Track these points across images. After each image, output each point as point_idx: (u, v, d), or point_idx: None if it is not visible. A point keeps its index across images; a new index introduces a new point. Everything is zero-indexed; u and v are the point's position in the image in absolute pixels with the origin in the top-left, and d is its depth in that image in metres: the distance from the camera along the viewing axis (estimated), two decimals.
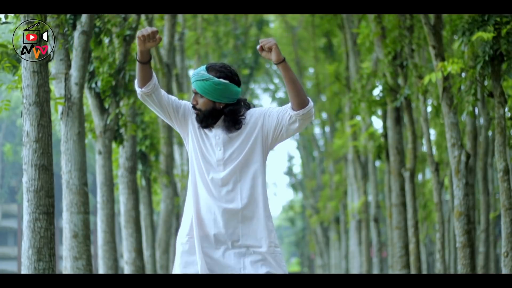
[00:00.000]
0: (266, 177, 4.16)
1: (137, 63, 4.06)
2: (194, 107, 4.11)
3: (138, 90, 4.11)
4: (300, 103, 3.96)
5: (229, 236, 4.04)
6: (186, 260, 4.07)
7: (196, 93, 4.09)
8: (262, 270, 3.99)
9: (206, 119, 4.08)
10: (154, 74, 4.12)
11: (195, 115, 4.14)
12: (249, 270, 4.00)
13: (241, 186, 4.06)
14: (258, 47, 3.99)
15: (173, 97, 4.22)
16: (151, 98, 4.12)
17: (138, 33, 3.94)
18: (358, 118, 18.10)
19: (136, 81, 4.12)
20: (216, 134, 4.10)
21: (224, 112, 4.07)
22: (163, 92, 4.19)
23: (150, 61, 4.08)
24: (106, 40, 9.16)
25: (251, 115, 4.11)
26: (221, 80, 4.03)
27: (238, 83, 4.10)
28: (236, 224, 4.04)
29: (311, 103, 3.99)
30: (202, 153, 4.11)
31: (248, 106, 4.15)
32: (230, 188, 4.05)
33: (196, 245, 4.03)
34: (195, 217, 4.07)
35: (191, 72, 24.39)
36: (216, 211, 4.05)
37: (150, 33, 3.93)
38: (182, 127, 4.18)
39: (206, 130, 4.13)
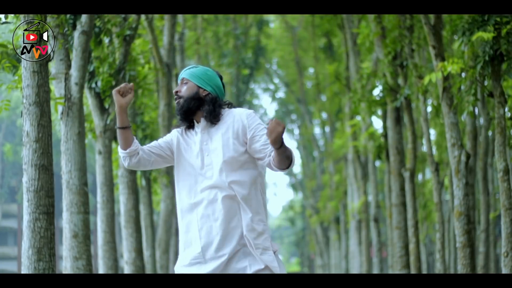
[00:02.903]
0: (260, 175, 4.13)
1: (117, 130, 4.10)
2: (176, 95, 4.17)
3: (121, 153, 4.15)
4: (282, 168, 3.95)
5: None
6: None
7: (182, 83, 4.19)
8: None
9: (188, 104, 4.10)
10: (135, 140, 4.17)
11: (177, 134, 4.19)
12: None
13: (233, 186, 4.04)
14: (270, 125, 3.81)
15: (161, 141, 4.24)
16: (140, 161, 4.15)
17: (114, 90, 4.04)
18: (358, 118, 18.09)
19: (119, 146, 4.17)
20: (202, 139, 4.10)
21: (205, 100, 4.12)
22: (153, 146, 4.23)
23: (131, 127, 4.13)
24: (106, 40, 9.16)
25: (232, 114, 4.13)
26: (211, 69, 4.22)
27: (223, 87, 4.22)
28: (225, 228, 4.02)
29: (292, 164, 3.94)
30: (190, 163, 4.11)
31: (231, 105, 4.20)
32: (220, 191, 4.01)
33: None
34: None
35: None
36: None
37: (126, 86, 4.06)
38: (175, 155, 4.20)
39: (190, 139, 4.14)
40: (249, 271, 3.94)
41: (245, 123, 4.07)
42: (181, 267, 4.06)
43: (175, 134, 4.23)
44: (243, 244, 3.97)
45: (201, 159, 4.08)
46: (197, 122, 4.16)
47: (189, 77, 4.16)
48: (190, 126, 4.17)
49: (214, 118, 4.08)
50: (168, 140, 4.22)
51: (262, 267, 3.96)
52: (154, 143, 4.23)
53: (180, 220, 4.11)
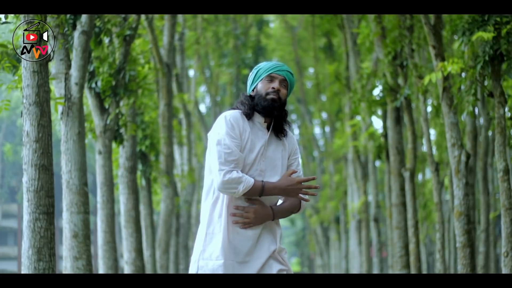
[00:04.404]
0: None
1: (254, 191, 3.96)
2: (277, 93, 4.04)
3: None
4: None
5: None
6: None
7: (282, 82, 4.07)
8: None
9: (280, 111, 4.05)
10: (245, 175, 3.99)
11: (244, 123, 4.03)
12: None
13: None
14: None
15: (237, 145, 3.99)
16: None
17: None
18: (358, 118, 18.10)
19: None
20: (265, 143, 4.05)
21: (285, 111, 4.13)
22: (240, 160, 3.99)
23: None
24: (106, 40, 9.17)
25: (289, 135, 4.18)
26: None
27: None
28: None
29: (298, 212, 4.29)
30: (249, 163, 4.02)
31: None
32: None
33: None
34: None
35: (191, 72, 24.37)
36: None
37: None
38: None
39: (255, 131, 4.05)
40: (275, 269, 4.02)
41: (293, 150, 4.18)
42: (206, 266, 3.97)
43: (238, 126, 4.01)
44: (273, 250, 4.04)
45: (257, 162, 4.04)
46: (264, 122, 4.10)
47: (289, 83, 4.12)
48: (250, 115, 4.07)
49: (282, 132, 4.12)
50: (239, 140, 3.99)
51: (285, 268, 4.07)
52: (238, 155, 3.95)
53: (218, 217, 3.99)
